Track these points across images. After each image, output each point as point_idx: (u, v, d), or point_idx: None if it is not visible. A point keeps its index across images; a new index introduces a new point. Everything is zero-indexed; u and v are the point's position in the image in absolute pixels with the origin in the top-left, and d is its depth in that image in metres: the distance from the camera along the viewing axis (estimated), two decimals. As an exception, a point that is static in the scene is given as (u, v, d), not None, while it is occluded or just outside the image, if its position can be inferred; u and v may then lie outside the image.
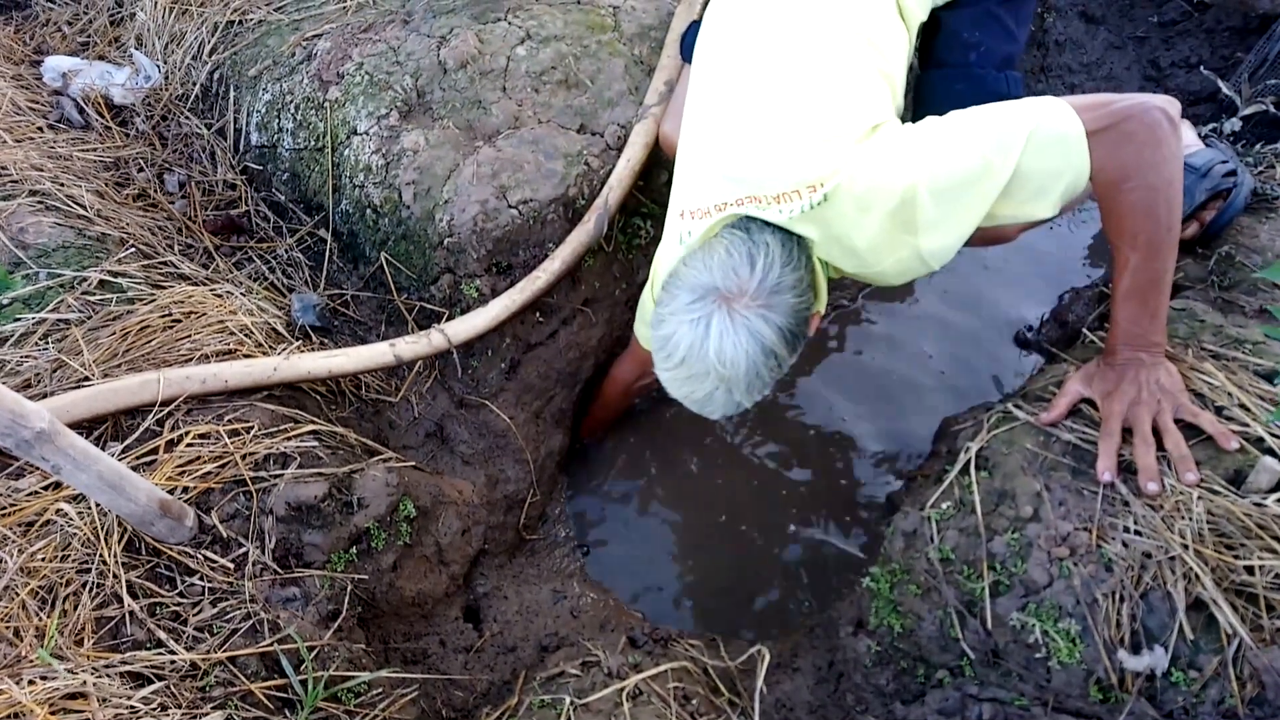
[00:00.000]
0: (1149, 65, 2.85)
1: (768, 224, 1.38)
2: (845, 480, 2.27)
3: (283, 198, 2.12)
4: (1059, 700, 1.29)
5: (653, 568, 2.13)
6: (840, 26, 1.47)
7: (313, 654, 1.46)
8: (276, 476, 1.54)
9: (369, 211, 1.96)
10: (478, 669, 1.77)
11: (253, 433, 1.58)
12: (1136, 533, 1.30)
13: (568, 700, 1.40)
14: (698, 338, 1.32)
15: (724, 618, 2.04)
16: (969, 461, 1.50)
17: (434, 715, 1.67)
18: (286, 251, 2.07)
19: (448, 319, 1.90)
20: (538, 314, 2.00)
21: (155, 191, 2.16)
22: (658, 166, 2.04)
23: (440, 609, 1.80)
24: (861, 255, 1.38)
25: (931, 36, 1.74)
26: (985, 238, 1.42)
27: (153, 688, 1.28)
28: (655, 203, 2.10)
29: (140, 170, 2.20)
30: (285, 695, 1.40)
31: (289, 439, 1.60)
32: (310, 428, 1.64)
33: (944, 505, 1.48)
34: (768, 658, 1.42)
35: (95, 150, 2.21)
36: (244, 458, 1.54)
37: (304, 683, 1.42)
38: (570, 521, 2.20)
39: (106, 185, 2.10)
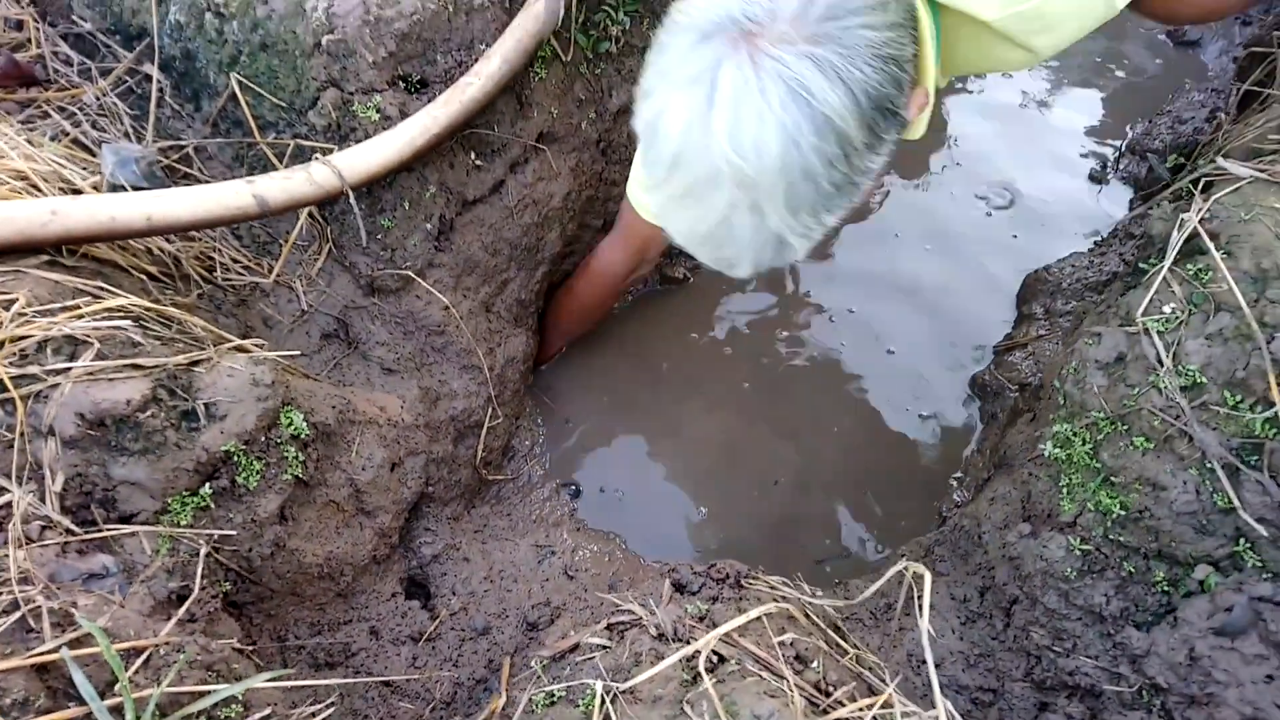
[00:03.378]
0: None
1: None
2: (898, 377, 1.71)
3: (88, 27, 1.46)
4: None
5: (669, 507, 1.54)
6: None
7: (141, 659, 0.84)
8: (57, 373, 0.91)
9: (209, 17, 1.32)
10: (434, 665, 1.15)
11: (16, 309, 0.94)
12: None
13: (599, 688, 0.80)
14: (698, 107, 0.74)
15: (779, 559, 1.46)
16: (1190, 239, 0.94)
17: (369, 744, 1.05)
18: (98, 98, 1.42)
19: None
20: (473, 155, 1.39)
21: (-97, 42, 1.48)
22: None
23: (367, 582, 1.18)
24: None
25: None
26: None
27: None
28: (628, -9, 1.51)
29: (-117, 19, 1.52)
30: (84, 737, 0.78)
31: (80, 318, 0.96)
32: (120, 303, 1.01)
33: (1165, 310, 0.92)
34: (929, 579, 0.81)
35: None
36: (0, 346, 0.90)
37: (118, 709, 0.79)
38: (547, 456, 1.59)
39: None
